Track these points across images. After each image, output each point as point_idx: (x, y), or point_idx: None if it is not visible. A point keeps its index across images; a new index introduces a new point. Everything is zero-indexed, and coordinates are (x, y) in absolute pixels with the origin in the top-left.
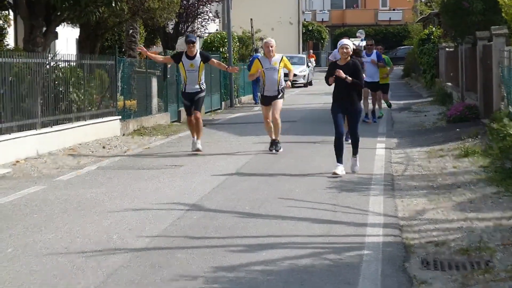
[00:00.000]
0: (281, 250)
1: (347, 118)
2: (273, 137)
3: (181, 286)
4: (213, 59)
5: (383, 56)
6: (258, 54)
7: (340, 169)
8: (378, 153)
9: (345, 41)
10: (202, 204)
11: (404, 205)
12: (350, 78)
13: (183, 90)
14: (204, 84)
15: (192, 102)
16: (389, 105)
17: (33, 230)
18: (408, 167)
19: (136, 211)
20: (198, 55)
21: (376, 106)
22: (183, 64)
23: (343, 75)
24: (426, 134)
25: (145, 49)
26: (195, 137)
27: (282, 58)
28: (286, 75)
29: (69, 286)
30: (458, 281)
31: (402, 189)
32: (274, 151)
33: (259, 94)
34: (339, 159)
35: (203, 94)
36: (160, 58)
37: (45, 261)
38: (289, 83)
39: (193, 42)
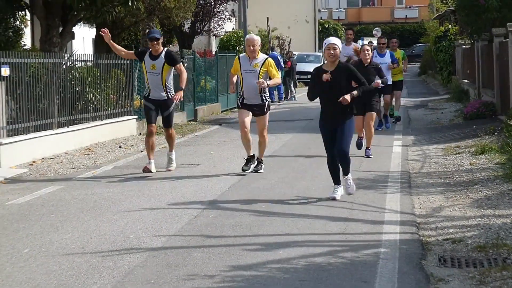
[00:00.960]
0: (298, 248)
1: (336, 133)
2: (252, 155)
3: (197, 285)
4: (180, 67)
5: (398, 50)
6: (275, 52)
7: (340, 193)
8: (394, 150)
9: (332, 39)
10: (219, 202)
11: (421, 202)
12: (348, 97)
13: (146, 96)
14: (172, 90)
15: (157, 107)
16: (398, 118)
17: (50, 230)
18: (425, 164)
19: (152, 210)
20: (162, 55)
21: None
22: (144, 64)
23: (348, 99)
24: (443, 131)
25: (109, 35)
26: (152, 158)
27: (266, 60)
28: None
29: (85, 286)
30: (476, 278)
31: (418, 187)
32: (249, 170)
33: (238, 100)
34: (337, 180)
35: (172, 107)
36: (122, 51)
37: (61, 261)
38: (263, 82)
39: (157, 39)
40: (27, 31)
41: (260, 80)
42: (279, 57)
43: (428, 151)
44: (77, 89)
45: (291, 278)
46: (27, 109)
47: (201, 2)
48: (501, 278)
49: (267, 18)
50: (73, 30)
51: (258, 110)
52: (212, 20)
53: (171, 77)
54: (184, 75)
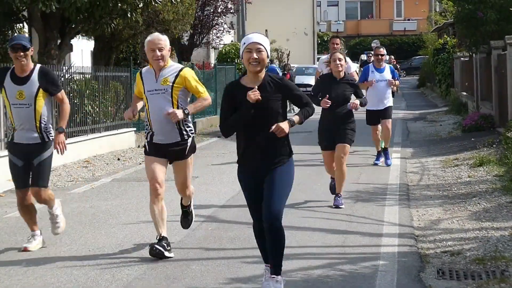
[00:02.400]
0: (296, 260)
1: (265, 186)
2: (164, 236)
3: None
4: (62, 95)
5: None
6: (274, 65)
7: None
8: (393, 163)
9: (255, 36)
10: (217, 215)
11: (419, 215)
12: (286, 126)
13: (10, 139)
14: (51, 130)
15: (26, 162)
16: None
17: (48, 243)
18: (423, 177)
19: (150, 223)
20: (35, 75)
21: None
22: (5, 92)
23: (284, 128)
24: (441, 144)
25: None
26: (35, 230)
27: (180, 71)
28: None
29: None
30: None
31: (417, 199)
32: (163, 250)
33: (145, 141)
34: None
35: (48, 152)
36: None
37: (59, 274)
38: (178, 113)
39: (24, 49)
40: None
41: (171, 110)
42: (278, 70)
43: (426, 163)
44: (75, 101)
45: None
46: None
47: (199, 14)
48: None
49: (266, 30)
50: (71, 42)
51: (177, 153)
52: (211, 33)
53: (50, 108)
54: (66, 107)
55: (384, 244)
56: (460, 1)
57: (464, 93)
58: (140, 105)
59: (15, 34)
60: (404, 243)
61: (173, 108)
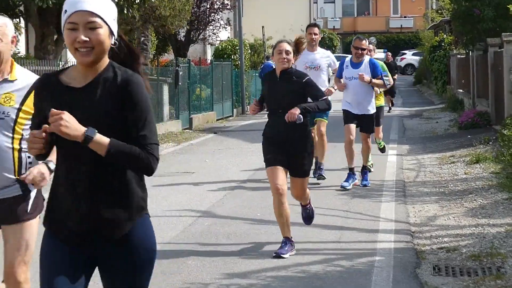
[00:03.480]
0: (293, 256)
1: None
2: None
3: None
4: None
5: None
6: (270, 61)
7: None
8: (389, 159)
9: (83, 3)
10: (214, 210)
11: (415, 211)
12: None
13: None
14: None
15: None
16: (383, 149)
17: None
18: (420, 174)
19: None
20: None
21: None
22: None
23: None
24: (438, 141)
25: None
26: None
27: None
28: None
29: None
30: (470, 287)
31: (413, 195)
32: None
33: None
34: None
35: None
36: None
37: None
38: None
39: None
40: (22, 38)
41: (25, 175)
42: (274, 67)
43: (423, 160)
44: None
45: (286, 286)
46: None
47: (195, 10)
48: (495, 287)
49: (263, 27)
50: None
51: (9, 210)
52: (207, 29)
53: None
54: None
55: (380, 240)
56: None
57: (461, 90)
58: None
59: None
60: (400, 239)
61: (13, 148)
